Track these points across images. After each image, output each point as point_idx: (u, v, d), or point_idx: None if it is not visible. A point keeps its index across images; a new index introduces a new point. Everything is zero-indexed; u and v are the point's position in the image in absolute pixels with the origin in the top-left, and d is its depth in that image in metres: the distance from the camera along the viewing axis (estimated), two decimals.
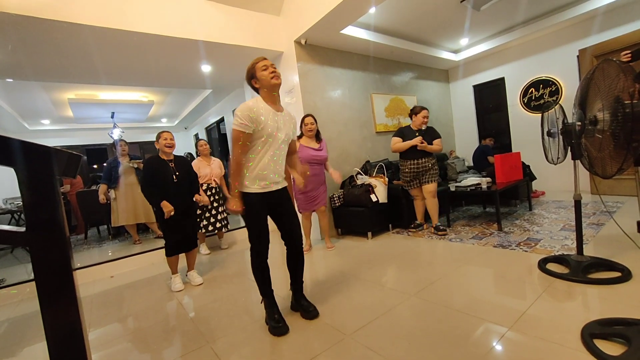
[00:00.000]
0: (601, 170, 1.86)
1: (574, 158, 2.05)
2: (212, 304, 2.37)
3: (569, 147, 2.06)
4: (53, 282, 0.45)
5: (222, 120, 6.76)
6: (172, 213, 2.57)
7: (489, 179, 3.80)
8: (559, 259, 2.24)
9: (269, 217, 1.92)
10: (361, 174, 4.03)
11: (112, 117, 6.69)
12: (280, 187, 1.90)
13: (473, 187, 3.67)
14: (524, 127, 5.29)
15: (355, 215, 3.72)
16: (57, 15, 2.62)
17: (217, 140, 7.43)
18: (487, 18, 4.41)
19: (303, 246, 2.04)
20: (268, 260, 1.90)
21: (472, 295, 1.98)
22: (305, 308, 1.96)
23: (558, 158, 2.23)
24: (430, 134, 3.48)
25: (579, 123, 1.94)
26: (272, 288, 1.93)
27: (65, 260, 0.47)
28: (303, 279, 2.05)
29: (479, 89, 5.98)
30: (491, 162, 4.90)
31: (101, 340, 2.03)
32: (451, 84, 6.37)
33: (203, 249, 3.96)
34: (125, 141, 4.57)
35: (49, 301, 0.45)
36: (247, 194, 1.80)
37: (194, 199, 2.85)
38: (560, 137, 2.13)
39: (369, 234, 3.64)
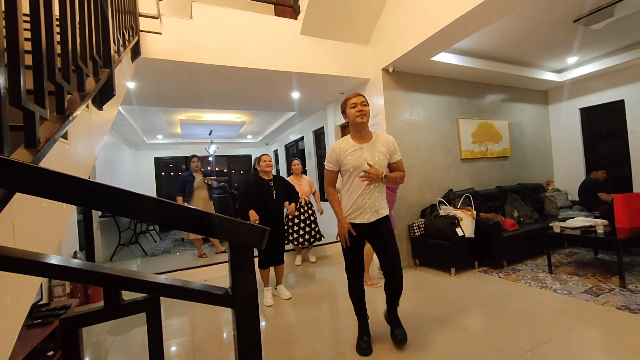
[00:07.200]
0: None
1: None
2: (300, 326, 2.47)
3: None
4: (246, 331, 0.65)
5: (301, 138, 7.14)
6: (257, 221, 2.77)
7: (605, 222, 3.25)
8: None
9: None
10: (444, 204, 3.83)
11: (210, 134, 7.63)
12: (375, 219, 1.96)
13: (584, 231, 3.18)
14: None
15: (437, 248, 3.52)
16: (185, 57, 3.14)
17: (295, 157, 7.86)
18: (603, 35, 3.85)
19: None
20: None
21: None
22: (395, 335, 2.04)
23: None
24: None
25: None
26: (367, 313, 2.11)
27: (255, 319, 0.67)
28: (399, 302, 2.09)
29: (587, 113, 5.21)
30: (603, 200, 4.20)
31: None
32: (551, 106, 5.68)
33: (297, 260, 4.25)
34: (198, 157, 4.65)
35: (244, 343, 0.65)
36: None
37: (284, 206, 3.11)
38: None
39: (452, 269, 3.40)
